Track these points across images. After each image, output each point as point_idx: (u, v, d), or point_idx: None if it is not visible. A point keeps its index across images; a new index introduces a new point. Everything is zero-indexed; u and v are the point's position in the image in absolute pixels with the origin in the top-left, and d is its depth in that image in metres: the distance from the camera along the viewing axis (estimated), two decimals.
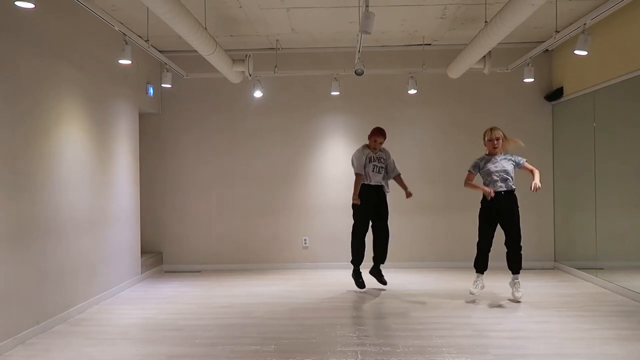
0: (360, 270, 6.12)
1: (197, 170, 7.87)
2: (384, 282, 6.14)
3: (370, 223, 6.10)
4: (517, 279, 5.71)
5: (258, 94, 7.35)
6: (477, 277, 5.76)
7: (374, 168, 6.04)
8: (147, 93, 7.26)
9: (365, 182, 6.00)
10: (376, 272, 6.15)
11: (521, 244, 5.67)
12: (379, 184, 6.06)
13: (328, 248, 7.75)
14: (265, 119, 7.84)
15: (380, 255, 6.12)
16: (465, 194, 7.70)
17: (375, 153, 6.10)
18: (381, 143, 6.11)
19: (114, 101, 6.22)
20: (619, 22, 5.73)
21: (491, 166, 5.63)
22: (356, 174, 6.00)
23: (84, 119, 5.48)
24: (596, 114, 6.40)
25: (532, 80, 6.65)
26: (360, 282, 6.09)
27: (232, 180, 7.86)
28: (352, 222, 6.07)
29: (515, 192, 5.67)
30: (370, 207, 6.03)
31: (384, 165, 6.12)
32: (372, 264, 6.15)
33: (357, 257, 6.12)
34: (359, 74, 6.10)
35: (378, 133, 6.11)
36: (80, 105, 5.41)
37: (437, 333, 4.53)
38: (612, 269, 6.24)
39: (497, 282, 6.68)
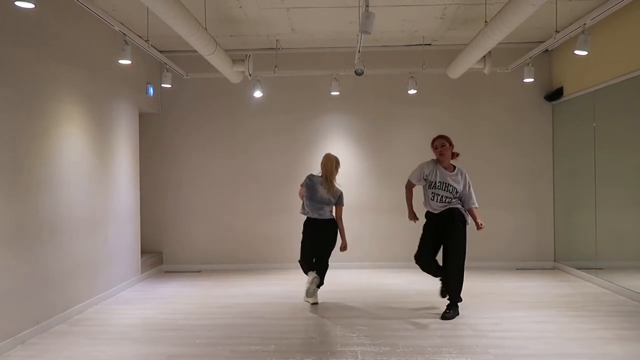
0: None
1: (197, 170, 7.87)
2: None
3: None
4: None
5: (258, 94, 7.34)
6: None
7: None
8: (147, 93, 7.26)
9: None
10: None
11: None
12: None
13: None
14: (265, 119, 7.84)
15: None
16: None
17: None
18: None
19: (114, 101, 6.22)
20: (619, 22, 5.73)
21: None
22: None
23: (84, 119, 5.48)
24: (596, 114, 6.39)
25: (532, 80, 6.65)
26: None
27: (233, 180, 7.87)
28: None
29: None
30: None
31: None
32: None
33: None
34: (359, 74, 6.09)
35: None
36: (80, 105, 5.41)
37: (437, 333, 4.53)
38: (612, 269, 6.23)
39: (497, 282, 6.69)
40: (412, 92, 7.21)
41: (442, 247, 5.14)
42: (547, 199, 7.68)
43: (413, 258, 5.24)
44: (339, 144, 7.79)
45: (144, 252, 7.41)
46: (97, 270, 5.73)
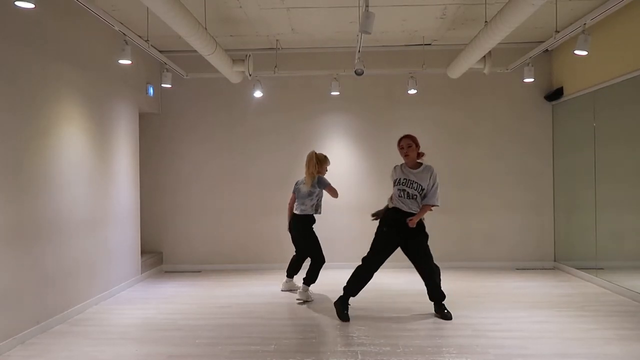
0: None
1: (197, 170, 7.87)
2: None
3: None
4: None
5: (258, 94, 7.35)
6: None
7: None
8: (147, 93, 7.26)
9: None
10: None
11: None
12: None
13: (328, 248, 7.72)
14: (265, 119, 7.84)
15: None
16: (466, 194, 7.72)
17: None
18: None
19: (114, 101, 6.22)
20: (619, 22, 5.73)
21: None
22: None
23: (84, 119, 5.48)
24: (596, 114, 6.40)
25: (532, 80, 6.65)
26: None
27: (232, 180, 7.87)
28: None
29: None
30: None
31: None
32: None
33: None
34: (359, 74, 6.09)
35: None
36: (80, 105, 5.41)
37: (437, 333, 4.53)
38: (612, 269, 6.23)
39: (497, 282, 6.69)
40: (412, 92, 7.22)
41: (410, 253, 5.14)
42: (547, 199, 7.68)
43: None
44: (339, 144, 7.79)
45: (144, 252, 7.41)
46: (97, 270, 5.73)
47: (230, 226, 7.85)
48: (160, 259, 7.83)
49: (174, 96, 7.80)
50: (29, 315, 4.49)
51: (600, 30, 5.98)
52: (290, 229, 6.06)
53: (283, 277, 6.47)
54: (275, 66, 7.15)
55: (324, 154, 6.14)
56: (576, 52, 5.10)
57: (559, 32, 5.64)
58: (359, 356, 4.00)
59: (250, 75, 6.74)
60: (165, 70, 6.79)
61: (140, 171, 7.10)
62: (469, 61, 6.18)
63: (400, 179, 5.08)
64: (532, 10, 4.38)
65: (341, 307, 5.11)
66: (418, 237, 5.08)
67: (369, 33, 4.47)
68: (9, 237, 4.22)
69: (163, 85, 6.87)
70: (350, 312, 5.29)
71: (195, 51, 5.69)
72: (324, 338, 4.48)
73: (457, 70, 6.70)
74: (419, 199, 5.02)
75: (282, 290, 6.31)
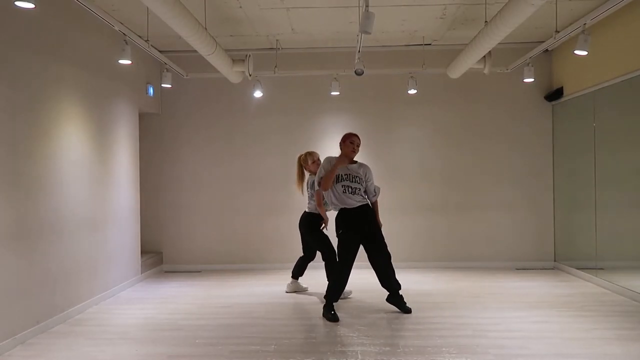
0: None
1: (197, 170, 7.87)
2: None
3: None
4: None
5: (258, 94, 7.34)
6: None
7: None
8: (147, 93, 7.26)
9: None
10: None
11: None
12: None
13: None
14: (265, 119, 7.84)
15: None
16: (465, 194, 7.72)
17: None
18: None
19: (114, 101, 6.22)
20: (619, 22, 5.73)
21: None
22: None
23: (84, 119, 5.48)
24: (596, 114, 6.40)
25: (532, 80, 6.64)
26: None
27: (233, 180, 7.87)
28: None
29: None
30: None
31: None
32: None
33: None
34: (359, 74, 6.09)
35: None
36: (80, 105, 5.41)
37: (437, 333, 4.53)
38: (612, 269, 6.23)
39: (497, 282, 6.69)
40: (412, 92, 7.21)
41: (374, 246, 5.22)
42: (547, 199, 7.68)
43: (340, 270, 5.21)
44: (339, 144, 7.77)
45: (144, 252, 7.41)
46: (97, 270, 5.73)
47: (230, 226, 7.85)
48: (160, 259, 7.83)
49: (174, 96, 7.80)
50: (29, 315, 4.49)
51: (600, 30, 5.98)
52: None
53: (283, 277, 6.47)
54: (275, 66, 7.15)
55: (311, 150, 6.28)
56: (576, 52, 5.11)
57: (559, 32, 5.64)
58: (359, 356, 4.00)
59: (250, 75, 6.74)
60: (165, 70, 6.79)
61: (140, 171, 7.10)
62: (469, 61, 6.18)
63: (341, 174, 5.17)
64: (532, 10, 4.38)
65: (328, 312, 5.07)
66: (378, 233, 5.25)
67: (369, 33, 4.47)
68: (9, 237, 4.22)
69: (163, 85, 6.87)
70: (350, 312, 5.30)
71: (195, 51, 5.69)
72: (324, 338, 4.48)
73: (457, 70, 6.70)
74: (361, 192, 5.19)
75: (287, 292, 6.23)
